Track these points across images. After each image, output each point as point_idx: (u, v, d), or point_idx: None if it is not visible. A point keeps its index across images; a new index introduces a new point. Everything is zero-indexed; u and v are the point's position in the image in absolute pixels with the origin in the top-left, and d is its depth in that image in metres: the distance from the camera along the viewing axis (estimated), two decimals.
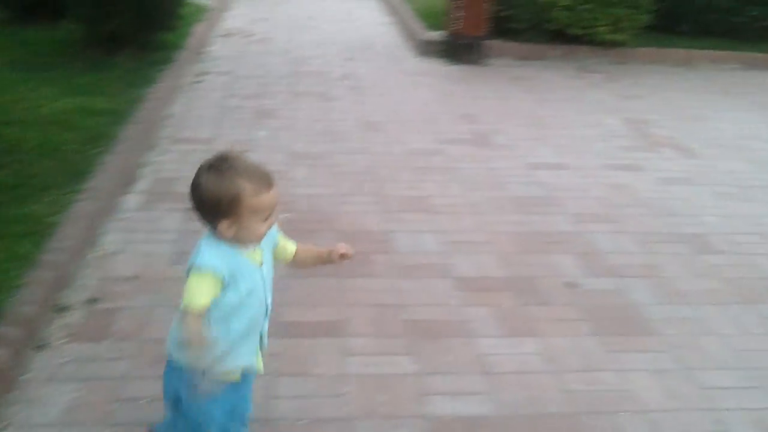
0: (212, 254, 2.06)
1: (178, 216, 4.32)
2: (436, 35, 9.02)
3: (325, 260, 2.40)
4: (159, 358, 2.47)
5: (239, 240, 2.09)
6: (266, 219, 2.09)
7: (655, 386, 3.18)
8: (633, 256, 4.34)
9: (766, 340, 3.56)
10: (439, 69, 8.47)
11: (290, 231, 2.52)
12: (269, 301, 2.27)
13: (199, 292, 2.03)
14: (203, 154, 2.13)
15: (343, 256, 2.36)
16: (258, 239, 2.14)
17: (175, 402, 2.28)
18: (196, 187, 2.04)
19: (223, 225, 2.04)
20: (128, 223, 4.31)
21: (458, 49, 8.63)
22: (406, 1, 11.18)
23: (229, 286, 2.08)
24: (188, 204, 2.09)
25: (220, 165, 2.03)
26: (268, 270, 2.25)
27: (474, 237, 4.44)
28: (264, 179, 2.06)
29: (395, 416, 2.90)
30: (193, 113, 6.25)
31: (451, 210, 4.76)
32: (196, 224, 2.16)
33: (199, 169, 2.06)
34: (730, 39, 9.81)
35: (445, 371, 3.20)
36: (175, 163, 5.15)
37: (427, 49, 8.92)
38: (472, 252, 4.25)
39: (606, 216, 4.85)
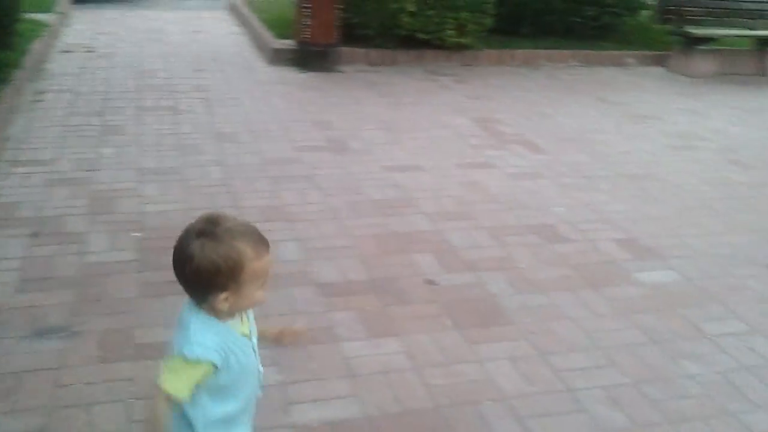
0: (206, 338, 1.81)
1: (22, 242, 4.06)
2: (286, 44, 8.99)
3: (271, 341, 2.16)
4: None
5: (233, 312, 1.87)
6: (264, 284, 1.87)
7: (514, 373, 3.28)
8: (488, 250, 4.47)
9: (613, 320, 3.75)
10: (291, 77, 8.44)
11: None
12: (261, 368, 2.07)
13: (181, 380, 1.79)
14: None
15: (293, 336, 2.19)
16: (252, 307, 1.93)
17: None
18: (186, 259, 1.76)
19: (220, 298, 1.80)
20: None
21: (310, 56, 8.64)
22: (255, 11, 11.08)
23: (221, 370, 1.86)
24: (173, 275, 1.84)
25: (212, 229, 1.78)
26: (255, 336, 2.03)
27: (335, 242, 4.44)
28: (262, 239, 1.85)
29: (260, 428, 2.82)
30: (33, 134, 5.91)
31: (311, 217, 4.75)
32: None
33: (185, 236, 1.80)
34: (569, 38, 10.36)
35: (310, 378, 3.17)
36: (17, 187, 4.84)
37: (279, 58, 8.87)
38: (334, 257, 4.25)
39: (461, 213, 4.98)
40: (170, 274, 1.87)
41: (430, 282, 4.04)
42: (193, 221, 1.84)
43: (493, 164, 5.99)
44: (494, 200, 5.25)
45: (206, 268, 1.75)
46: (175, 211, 4.64)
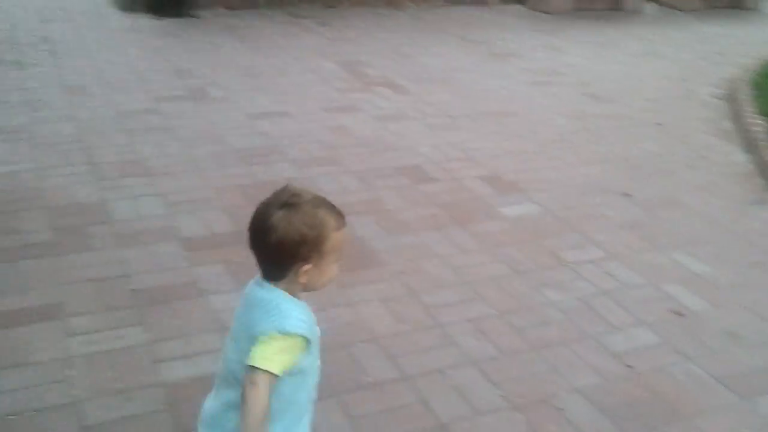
0: (300, 313, 1.75)
1: None
2: None
3: None
4: None
5: (309, 287, 1.79)
6: (338, 258, 1.79)
7: (385, 313, 3.32)
8: (357, 194, 4.47)
9: (479, 255, 3.85)
10: (146, 24, 8.06)
11: None
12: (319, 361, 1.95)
13: (280, 358, 1.69)
14: None
15: None
16: (327, 284, 1.82)
17: None
18: (269, 229, 1.69)
19: (302, 270, 1.72)
20: None
21: (165, 2, 8.26)
22: None
23: (306, 350, 1.77)
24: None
25: (294, 200, 1.71)
26: None
27: (198, 195, 4.32)
28: (339, 211, 1.78)
29: (128, 390, 2.75)
30: None
31: (172, 170, 4.58)
32: None
33: (265, 208, 1.72)
34: None
35: (178, 335, 3.09)
36: None
37: (132, 5, 8.45)
38: (198, 210, 4.13)
39: (328, 158, 4.94)
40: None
41: None
42: (268, 195, 1.77)
43: (359, 107, 5.97)
44: (361, 143, 5.24)
45: (292, 237, 1.68)
46: (26, 171, 4.36)
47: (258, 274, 1.80)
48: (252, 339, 1.70)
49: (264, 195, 1.77)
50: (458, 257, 3.81)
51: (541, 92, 6.81)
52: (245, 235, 1.76)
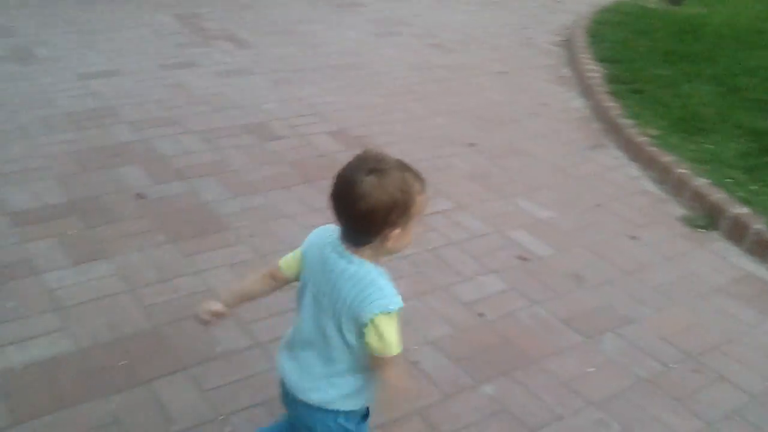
0: (391, 286, 1.75)
1: None
2: None
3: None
4: None
5: (394, 252, 1.77)
6: (420, 222, 1.76)
7: (234, 280, 3.20)
8: (200, 155, 4.28)
9: (327, 212, 3.74)
10: None
11: None
12: None
13: (396, 337, 1.73)
14: None
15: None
16: (407, 247, 1.79)
17: None
18: (360, 196, 1.65)
19: (392, 235, 1.71)
20: None
21: None
22: None
23: None
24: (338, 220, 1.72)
25: (380, 166, 1.68)
26: None
27: (26, 164, 4.00)
28: (420, 174, 1.75)
29: None
30: None
31: None
32: None
33: (352, 175, 1.67)
34: None
35: (12, 318, 2.86)
36: None
37: None
38: (26, 181, 3.83)
39: (168, 119, 4.71)
40: None
41: (140, 196, 3.79)
42: (348, 162, 1.72)
43: (198, 63, 5.71)
44: (203, 101, 5.01)
45: (383, 202, 1.66)
46: None
47: (330, 238, 1.80)
48: (357, 319, 1.74)
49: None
50: (307, 216, 3.73)
51: (388, 43, 6.77)
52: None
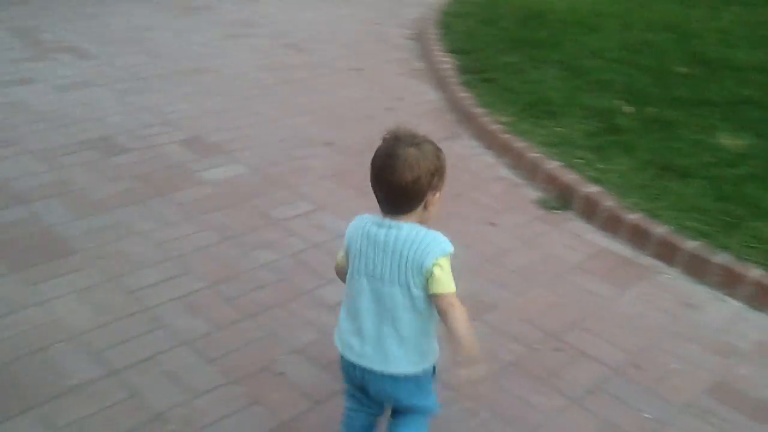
0: (440, 233, 1.96)
1: None
2: None
3: None
4: None
5: (431, 218, 2.02)
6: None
7: (83, 306, 3.01)
8: (40, 176, 4.02)
9: (184, 226, 3.64)
10: None
11: None
12: None
13: (453, 277, 1.95)
14: None
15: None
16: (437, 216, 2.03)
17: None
18: (406, 168, 1.89)
19: (435, 198, 1.98)
20: None
21: None
22: None
23: None
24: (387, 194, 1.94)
25: (415, 140, 1.94)
26: None
27: None
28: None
29: None
30: None
31: None
32: None
33: (393, 151, 1.92)
34: None
35: None
36: None
37: None
38: None
39: (4, 139, 4.42)
40: None
41: None
42: (382, 141, 1.97)
43: (35, 78, 5.39)
44: (41, 118, 4.73)
45: (427, 168, 1.92)
46: None
47: (368, 221, 2.02)
48: (421, 268, 1.92)
49: None
50: (161, 231, 3.57)
51: (238, 45, 6.61)
52: None
